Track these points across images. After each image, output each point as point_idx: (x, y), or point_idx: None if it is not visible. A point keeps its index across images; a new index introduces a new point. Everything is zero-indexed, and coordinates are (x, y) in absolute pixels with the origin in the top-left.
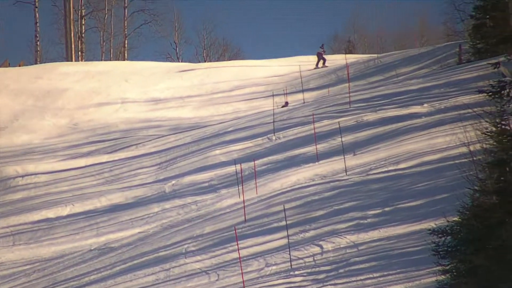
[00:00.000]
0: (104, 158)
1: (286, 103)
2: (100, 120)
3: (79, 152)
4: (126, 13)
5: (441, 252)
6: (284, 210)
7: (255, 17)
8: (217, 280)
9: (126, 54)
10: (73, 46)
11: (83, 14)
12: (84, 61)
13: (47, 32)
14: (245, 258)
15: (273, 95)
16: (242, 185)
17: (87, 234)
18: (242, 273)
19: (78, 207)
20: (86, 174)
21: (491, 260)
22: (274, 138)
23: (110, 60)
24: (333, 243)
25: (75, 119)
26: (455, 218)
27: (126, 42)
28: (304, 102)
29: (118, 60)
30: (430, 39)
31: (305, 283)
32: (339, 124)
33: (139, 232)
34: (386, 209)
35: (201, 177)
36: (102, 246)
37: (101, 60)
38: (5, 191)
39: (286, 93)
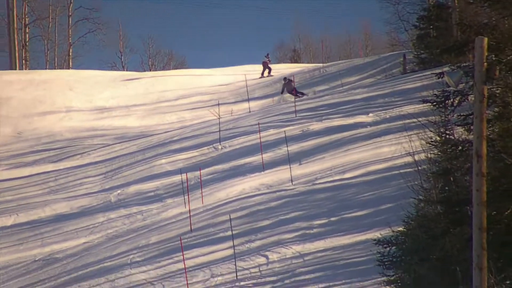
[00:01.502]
0: (49, 167)
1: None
2: (44, 128)
3: (23, 161)
4: (70, 22)
5: (386, 263)
6: (230, 220)
7: (200, 26)
8: None
9: (70, 63)
10: (17, 54)
11: (26, 22)
12: (29, 69)
13: None
14: (190, 269)
15: (218, 104)
16: (188, 195)
17: (32, 244)
18: (187, 284)
19: (23, 217)
20: (31, 183)
21: (435, 270)
22: (220, 147)
23: (55, 68)
24: (279, 253)
25: (19, 127)
26: (400, 228)
27: (70, 50)
28: (250, 111)
29: (63, 68)
30: (374, 49)
31: None
32: (285, 133)
33: (84, 243)
34: (332, 219)
35: (147, 187)
36: (46, 256)
37: (46, 68)
38: None
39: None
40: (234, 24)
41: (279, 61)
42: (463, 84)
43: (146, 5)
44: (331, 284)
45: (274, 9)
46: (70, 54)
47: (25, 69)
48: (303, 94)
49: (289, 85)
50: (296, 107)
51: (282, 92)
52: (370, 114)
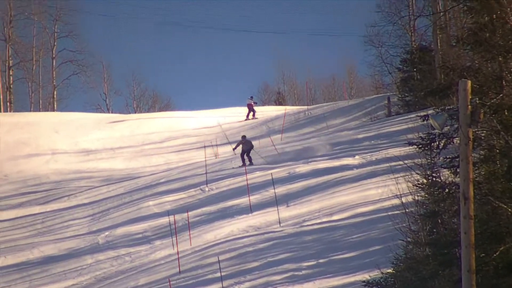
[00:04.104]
0: (36, 209)
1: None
2: (30, 171)
3: (9, 204)
4: (54, 64)
5: None
6: (219, 261)
7: (185, 68)
8: None
9: (55, 105)
10: (1, 97)
11: (10, 65)
12: (13, 112)
13: None
14: None
15: (204, 147)
16: (176, 236)
17: (20, 286)
18: None
19: (10, 259)
20: (18, 225)
21: None
22: (207, 189)
23: (39, 111)
24: None
25: (5, 170)
26: (389, 270)
27: (55, 92)
28: (235, 154)
29: (47, 111)
30: (359, 91)
31: None
32: (271, 175)
33: (73, 285)
34: (320, 260)
35: (135, 228)
36: None
37: (30, 111)
38: None
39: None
40: (219, 66)
41: (264, 103)
42: (448, 127)
43: (130, 47)
44: None
45: (259, 52)
46: (55, 96)
47: (10, 111)
48: (250, 162)
49: (245, 145)
50: (283, 150)
51: (234, 149)
52: (357, 157)
